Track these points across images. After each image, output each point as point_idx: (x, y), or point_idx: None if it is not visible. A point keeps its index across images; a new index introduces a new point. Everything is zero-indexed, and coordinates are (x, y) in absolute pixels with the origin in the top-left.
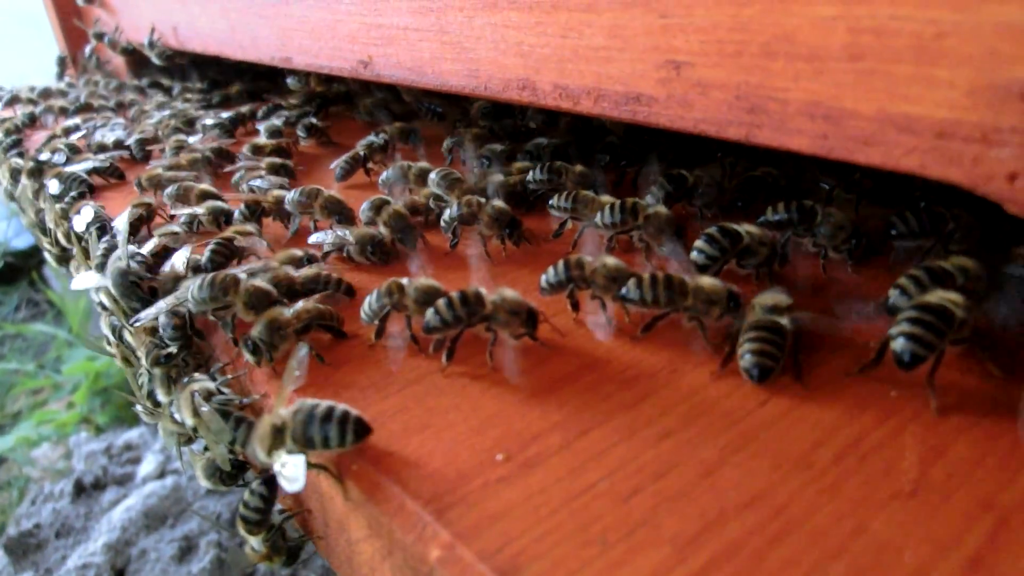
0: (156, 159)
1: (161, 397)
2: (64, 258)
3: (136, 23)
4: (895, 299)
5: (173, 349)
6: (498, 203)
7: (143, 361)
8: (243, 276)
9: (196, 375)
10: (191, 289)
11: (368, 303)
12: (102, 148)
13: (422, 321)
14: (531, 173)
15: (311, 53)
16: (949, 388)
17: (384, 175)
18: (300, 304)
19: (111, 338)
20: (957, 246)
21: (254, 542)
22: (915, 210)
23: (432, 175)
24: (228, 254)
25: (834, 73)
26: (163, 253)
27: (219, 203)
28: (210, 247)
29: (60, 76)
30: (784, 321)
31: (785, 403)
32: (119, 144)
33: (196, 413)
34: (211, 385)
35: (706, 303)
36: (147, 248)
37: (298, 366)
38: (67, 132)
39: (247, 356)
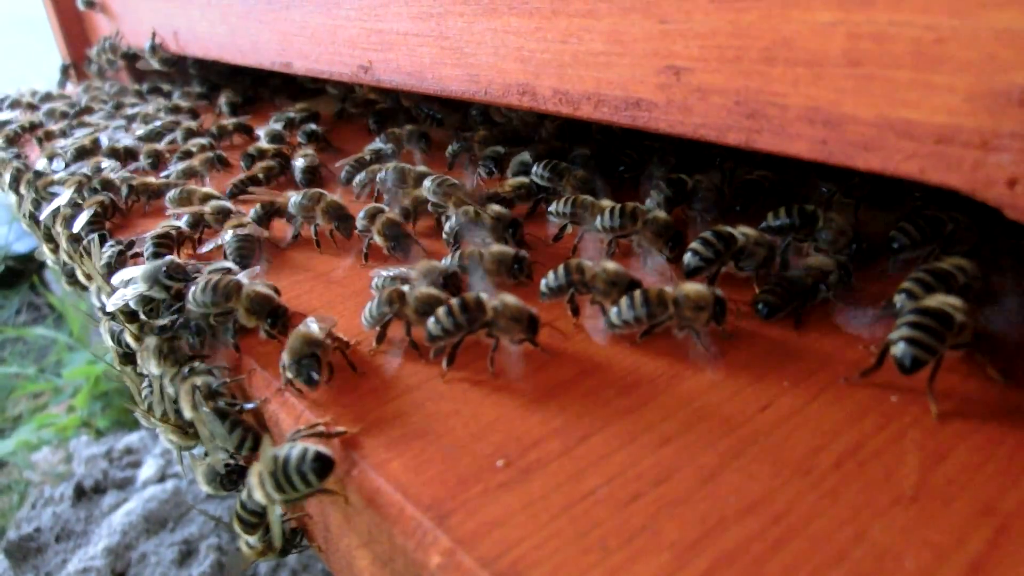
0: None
1: (153, 369)
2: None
3: (136, 28)
4: (902, 304)
5: (166, 321)
6: (496, 207)
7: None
8: (245, 281)
9: (198, 365)
10: (192, 292)
11: (368, 310)
12: (113, 153)
13: (422, 328)
14: (533, 170)
15: (311, 58)
16: (950, 393)
17: (381, 174)
18: (315, 322)
19: (110, 343)
20: (957, 247)
21: (250, 540)
22: (914, 220)
23: (426, 182)
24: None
25: (833, 78)
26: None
27: (223, 202)
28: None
29: (63, 84)
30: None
31: (785, 408)
32: (130, 152)
33: (195, 407)
34: (213, 382)
35: (694, 310)
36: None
37: None
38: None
39: (303, 386)
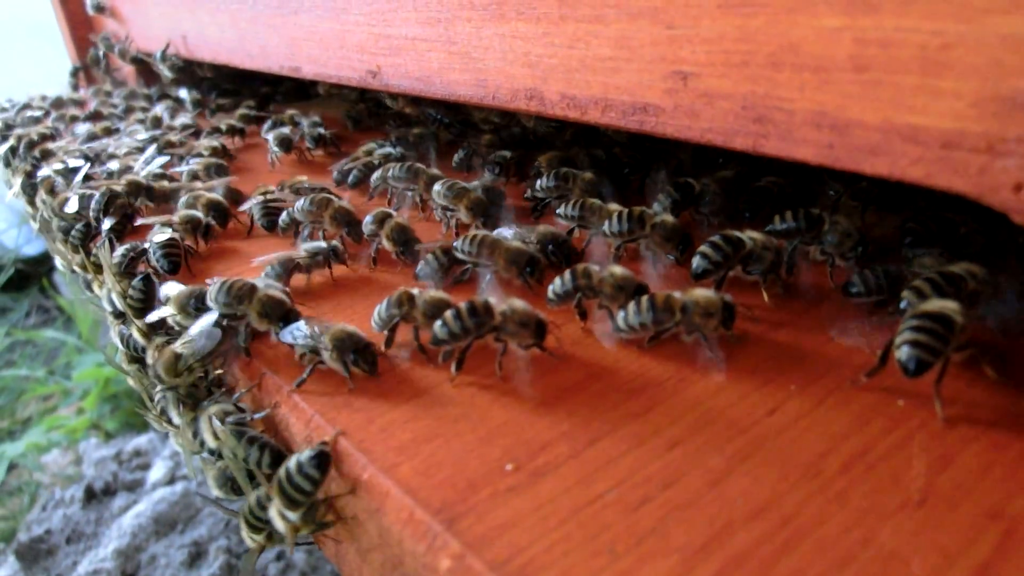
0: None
1: (175, 418)
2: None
3: (145, 32)
4: (908, 302)
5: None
6: (543, 228)
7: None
8: (260, 285)
9: (207, 402)
10: (209, 292)
11: (378, 312)
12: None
13: (430, 333)
14: (539, 181)
15: (320, 63)
16: (956, 398)
17: (392, 171)
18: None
19: (119, 345)
20: (966, 251)
21: (256, 537)
22: (928, 218)
23: (436, 187)
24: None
25: (840, 84)
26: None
27: (194, 212)
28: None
29: (74, 87)
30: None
31: (793, 412)
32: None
33: (216, 435)
34: (227, 406)
35: (703, 316)
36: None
37: None
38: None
39: (368, 372)
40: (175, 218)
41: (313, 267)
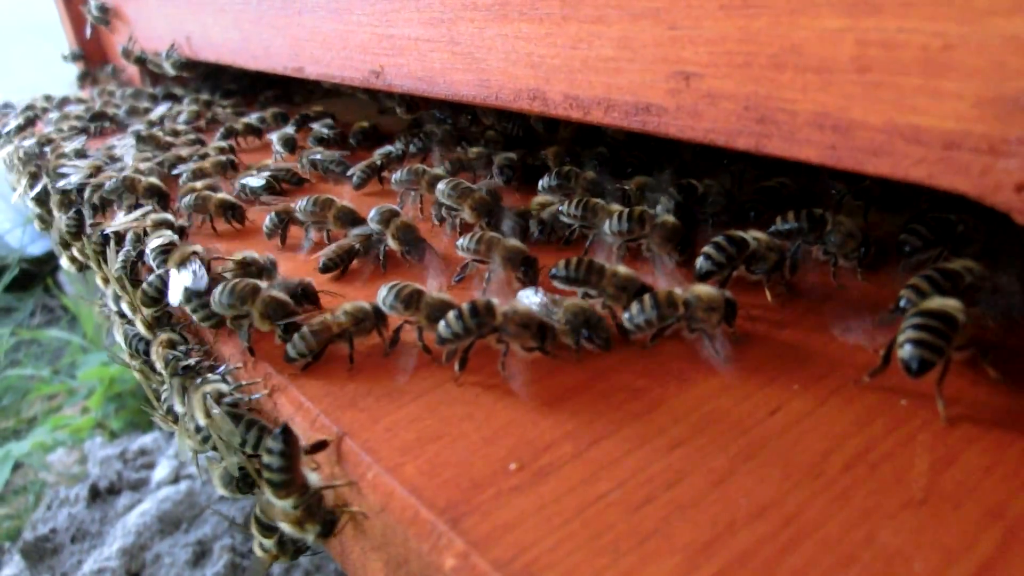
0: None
1: (177, 407)
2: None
3: (150, 33)
4: (907, 301)
5: (191, 361)
6: (512, 242)
7: (162, 370)
8: (263, 285)
9: (209, 376)
10: (214, 294)
11: (381, 300)
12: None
13: (433, 333)
14: (542, 180)
15: (323, 63)
16: (958, 398)
17: (396, 175)
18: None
19: (123, 346)
20: (966, 249)
21: (265, 543)
22: (924, 221)
23: (440, 185)
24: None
25: (842, 85)
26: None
27: (166, 215)
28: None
29: (82, 78)
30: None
31: (795, 412)
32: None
33: (208, 415)
34: (223, 387)
35: (706, 311)
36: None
37: None
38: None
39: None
40: (148, 222)
41: (368, 249)
